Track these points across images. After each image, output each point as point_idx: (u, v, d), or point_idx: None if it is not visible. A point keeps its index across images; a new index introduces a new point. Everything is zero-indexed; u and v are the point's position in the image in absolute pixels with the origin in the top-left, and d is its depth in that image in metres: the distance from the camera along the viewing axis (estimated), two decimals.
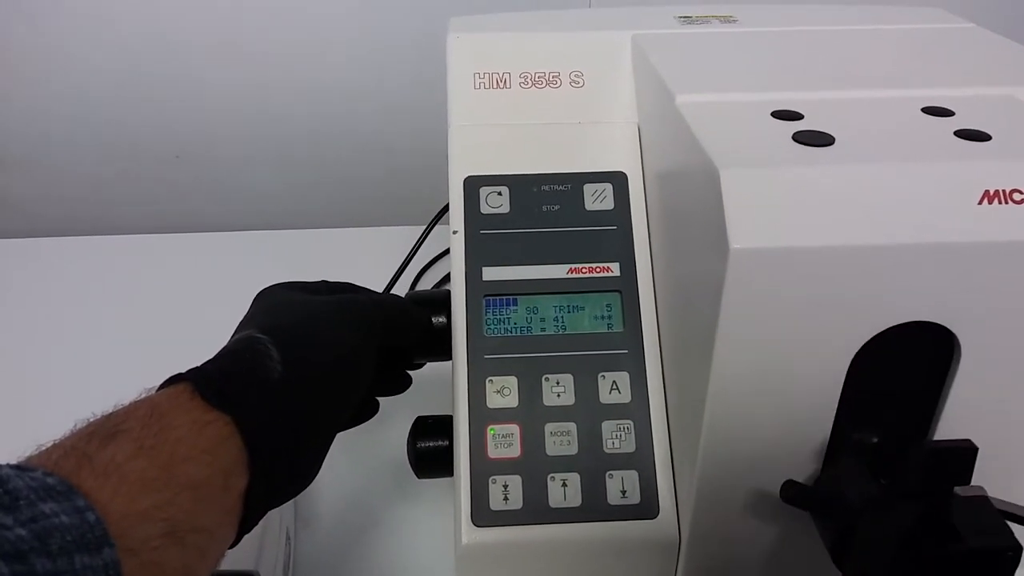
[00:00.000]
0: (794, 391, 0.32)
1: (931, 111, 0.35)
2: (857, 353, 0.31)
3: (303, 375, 0.33)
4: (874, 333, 0.31)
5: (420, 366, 0.44)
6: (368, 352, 0.37)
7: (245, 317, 0.37)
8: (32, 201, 0.81)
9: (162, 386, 0.31)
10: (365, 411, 0.42)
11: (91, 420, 0.28)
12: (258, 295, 0.39)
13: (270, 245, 0.73)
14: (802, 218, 0.29)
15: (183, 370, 0.31)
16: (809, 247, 0.29)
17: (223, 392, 0.30)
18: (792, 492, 0.32)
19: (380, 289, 0.58)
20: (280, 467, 0.31)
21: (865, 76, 0.39)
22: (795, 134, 0.32)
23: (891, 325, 0.30)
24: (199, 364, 0.32)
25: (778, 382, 0.32)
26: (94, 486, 0.25)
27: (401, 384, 0.44)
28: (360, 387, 0.37)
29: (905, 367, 0.33)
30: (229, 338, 0.35)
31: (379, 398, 0.43)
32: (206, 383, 0.30)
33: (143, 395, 0.30)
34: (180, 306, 0.65)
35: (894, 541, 0.28)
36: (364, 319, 0.37)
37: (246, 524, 0.31)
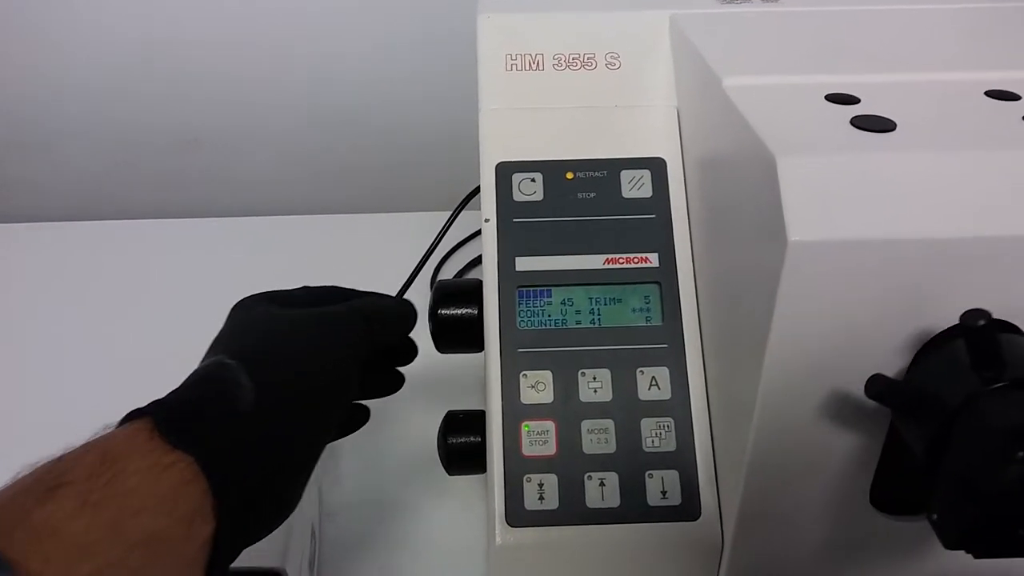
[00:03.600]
0: (851, 390, 0.30)
1: (996, 95, 0.33)
2: (919, 351, 0.29)
3: (277, 401, 0.31)
4: (938, 330, 0.29)
5: (412, 359, 0.43)
6: (349, 366, 0.35)
7: (218, 335, 0.35)
8: (43, 186, 0.80)
9: (122, 421, 0.28)
10: (354, 420, 0.40)
11: (37, 466, 0.26)
12: (233, 309, 0.36)
13: (290, 232, 0.72)
14: (864, 208, 0.27)
15: (177, 371, 0.30)
16: (872, 239, 0.27)
17: (185, 429, 0.28)
18: (879, 387, 0.28)
19: (403, 278, 0.57)
20: (253, 506, 0.29)
21: (923, 57, 0.37)
22: (853, 119, 0.31)
23: (957, 323, 0.29)
24: (162, 396, 0.29)
25: (834, 380, 0.30)
26: (27, 551, 0.22)
27: (393, 385, 0.42)
28: (343, 405, 0.35)
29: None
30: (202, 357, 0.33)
31: (391, 395, 0.41)
32: (166, 419, 0.28)
33: (99, 433, 0.28)
34: (194, 293, 0.64)
35: (1003, 437, 0.24)
36: (344, 332, 0.35)
37: (215, 570, 0.28)
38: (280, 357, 0.33)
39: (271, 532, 0.32)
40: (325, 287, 0.40)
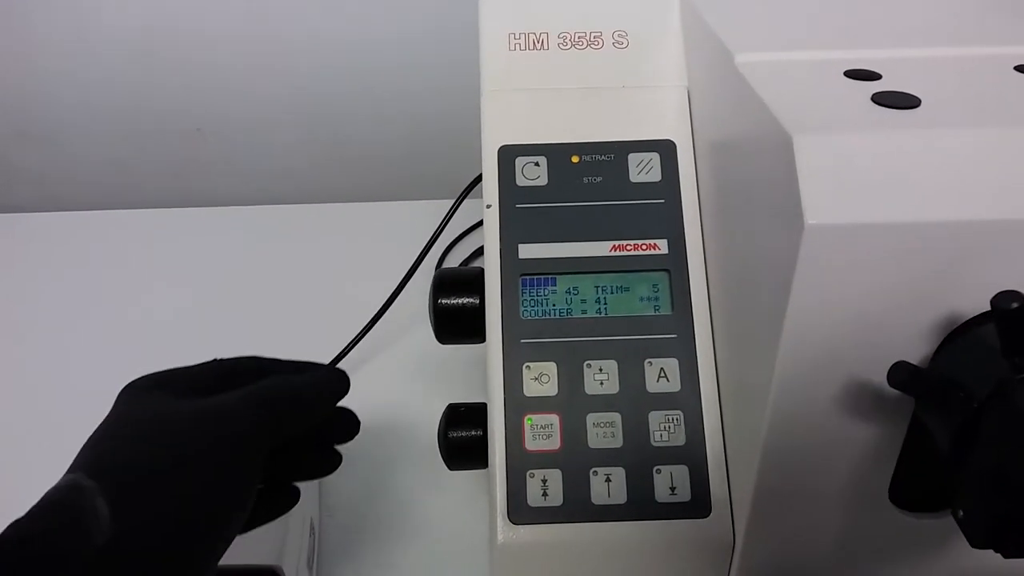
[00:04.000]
0: (870, 380, 0.29)
1: None
2: (944, 339, 0.28)
3: (142, 533, 0.26)
4: (964, 319, 0.27)
5: (352, 436, 0.38)
6: (238, 468, 0.30)
7: (95, 431, 0.30)
8: (47, 176, 0.80)
9: None
10: (278, 505, 0.36)
11: None
12: (120, 394, 0.32)
13: (293, 220, 0.71)
14: (886, 190, 0.26)
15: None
16: (894, 223, 0.26)
17: (30, 572, 0.24)
18: (903, 375, 0.27)
19: (407, 267, 0.56)
20: None
21: (948, 31, 0.36)
22: (875, 95, 0.29)
23: (985, 311, 0.27)
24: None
25: (852, 370, 0.29)
26: None
27: (326, 466, 0.37)
28: (233, 510, 0.30)
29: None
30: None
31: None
32: (6, 563, 0.24)
33: None
34: (196, 281, 0.64)
35: None
36: (234, 428, 0.31)
37: None
38: (150, 466, 0.28)
39: None
40: (237, 359, 0.35)
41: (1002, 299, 0.23)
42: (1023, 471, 0.23)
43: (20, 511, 0.26)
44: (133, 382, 0.33)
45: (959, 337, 0.27)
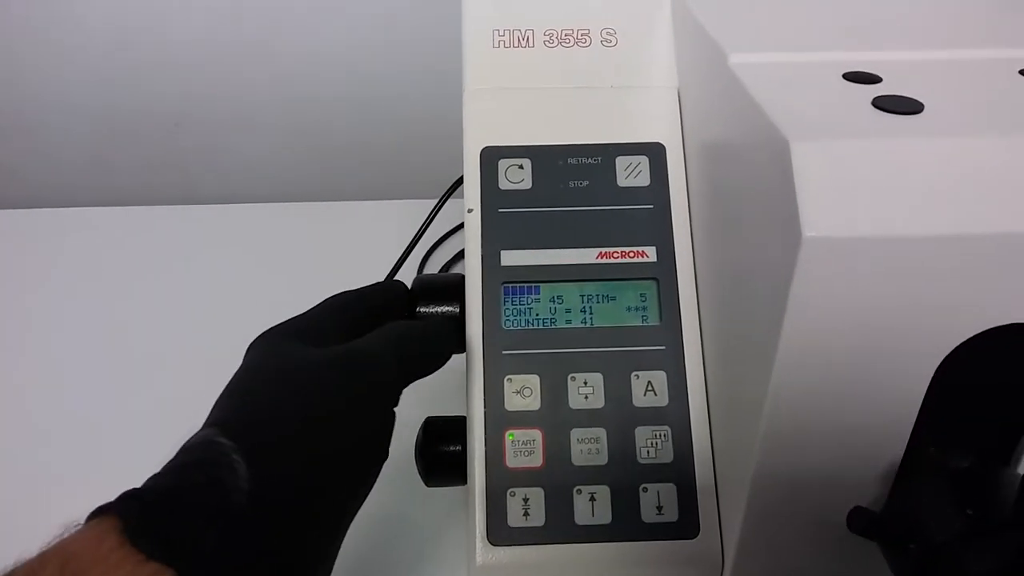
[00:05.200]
0: (868, 399, 0.28)
1: None
2: (944, 360, 0.26)
3: (281, 488, 0.25)
4: (967, 337, 0.26)
5: None
6: (387, 414, 0.30)
7: (228, 385, 0.29)
8: (24, 172, 0.78)
9: (90, 517, 0.24)
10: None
11: None
12: (250, 347, 0.31)
13: (272, 219, 0.70)
14: (887, 201, 0.25)
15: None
16: (895, 236, 0.24)
17: (162, 532, 0.23)
18: (862, 522, 0.28)
19: (388, 268, 0.54)
20: None
21: (952, 33, 0.34)
22: (875, 100, 0.28)
23: (988, 328, 0.26)
24: (135, 487, 0.24)
25: (850, 388, 0.27)
26: None
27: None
28: (380, 458, 0.30)
29: (1000, 378, 0.28)
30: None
31: None
32: (140, 522, 0.23)
33: (62, 534, 0.23)
34: (180, 281, 0.63)
35: None
36: (380, 375, 0.30)
37: None
38: (291, 420, 0.27)
39: None
40: (341, 299, 0.34)
41: (952, 457, 0.26)
42: None
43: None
44: (264, 333, 0.32)
45: (917, 478, 0.28)
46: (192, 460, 0.26)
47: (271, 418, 0.27)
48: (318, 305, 0.34)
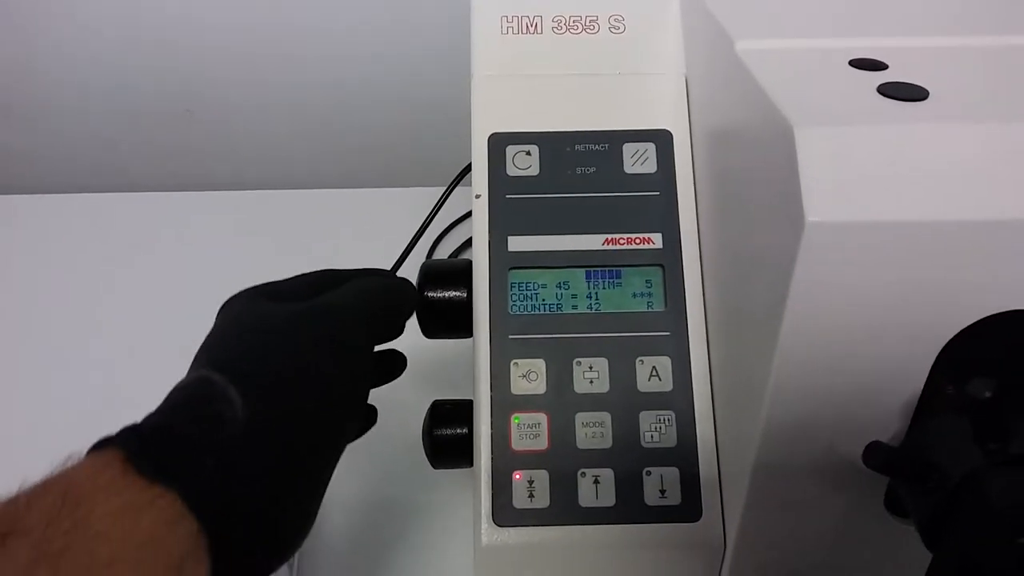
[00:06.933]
0: (870, 386, 0.28)
1: None
2: (946, 346, 0.27)
3: (273, 420, 0.27)
4: (969, 322, 0.26)
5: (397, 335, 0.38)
6: (358, 365, 0.31)
7: (205, 341, 0.30)
8: (34, 157, 0.78)
9: (91, 450, 0.24)
10: (368, 420, 0.37)
11: None
12: (221, 308, 0.32)
13: (282, 206, 0.70)
14: (891, 186, 0.25)
15: (176, 369, 0.26)
16: (899, 221, 0.24)
17: (164, 459, 0.24)
18: (879, 457, 0.27)
19: (396, 254, 0.55)
20: (257, 537, 0.26)
21: (958, 19, 0.34)
22: (880, 86, 0.28)
23: (992, 313, 0.26)
24: (136, 421, 0.25)
25: (853, 372, 0.27)
26: None
27: (397, 368, 0.38)
28: (355, 411, 0.31)
29: (1002, 363, 0.28)
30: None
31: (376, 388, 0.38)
32: (141, 450, 0.24)
33: (63, 466, 0.24)
34: (192, 268, 0.63)
35: (1007, 518, 0.23)
36: (348, 325, 0.31)
37: None
38: (275, 363, 0.28)
39: (290, 557, 0.28)
40: (319, 272, 0.35)
41: (975, 388, 0.24)
42: (991, 559, 0.23)
43: None
44: (232, 297, 0.33)
45: (936, 414, 0.27)
46: (189, 395, 0.27)
47: (259, 358, 0.28)
48: (293, 276, 0.35)
